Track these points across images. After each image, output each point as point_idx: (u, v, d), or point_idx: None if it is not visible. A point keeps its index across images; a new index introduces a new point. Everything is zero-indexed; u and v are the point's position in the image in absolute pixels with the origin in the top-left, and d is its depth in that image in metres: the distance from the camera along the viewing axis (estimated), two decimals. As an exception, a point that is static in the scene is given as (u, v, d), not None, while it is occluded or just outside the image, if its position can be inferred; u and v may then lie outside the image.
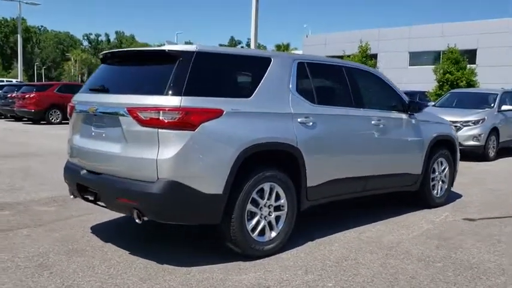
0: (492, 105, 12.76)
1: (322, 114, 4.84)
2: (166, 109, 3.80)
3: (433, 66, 29.21)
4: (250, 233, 4.25)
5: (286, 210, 4.51)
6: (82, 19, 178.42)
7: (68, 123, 5.04)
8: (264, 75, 4.48)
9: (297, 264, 4.21)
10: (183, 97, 3.84)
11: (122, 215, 5.15)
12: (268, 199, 4.38)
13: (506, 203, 6.91)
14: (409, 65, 39.38)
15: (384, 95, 5.92)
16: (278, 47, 70.57)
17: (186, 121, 3.81)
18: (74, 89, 15.72)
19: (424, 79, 32.14)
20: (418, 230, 5.41)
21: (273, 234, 4.43)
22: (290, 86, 4.64)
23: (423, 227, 5.54)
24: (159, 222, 4.09)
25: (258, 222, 4.33)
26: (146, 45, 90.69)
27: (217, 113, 3.98)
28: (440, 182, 6.60)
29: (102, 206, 4.41)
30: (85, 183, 4.41)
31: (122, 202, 4.05)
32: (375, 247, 4.73)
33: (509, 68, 33.67)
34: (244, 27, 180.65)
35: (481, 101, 13.26)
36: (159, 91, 3.91)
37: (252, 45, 20.10)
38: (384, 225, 5.56)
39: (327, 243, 4.82)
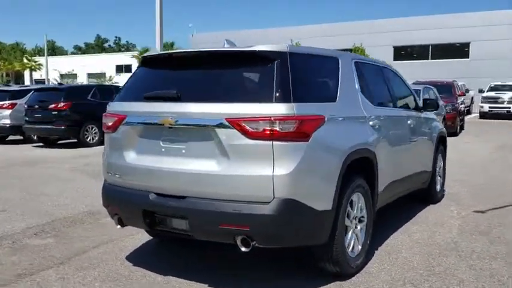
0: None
1: (381, 115, 4.64)
2: (281, 118, 3.29)
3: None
4: (347, 249, 3.90)
5: (366, 220, 4.23)
6: None
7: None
8: (339, 77, 4.14)
9: (395, 277, 3.96)
10: (294, 104, 3.36)
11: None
12: (355, 210, 4.06)
13: (490, 193, 7.31)
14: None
15: (405, 93, 5.90)
16: (165, 46, 68.59)
17: (301, 131, 3.35)
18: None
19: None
20: (453, 227, 5.46)
21: (359, 247, 4.12)
22: (356, 87, 4.36)
23: (453, 223, 5.61)
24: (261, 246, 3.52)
25: (350, 237, 4.00)
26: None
27: (322, 120, 3.58)
28: (439, 177, 6.77)
29: (183, 236, 3.72)
30: (160, 209, 3.67)
31: (226, 228, 3.41)
32: (440, 249, 4.66)
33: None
34: (110, 25, 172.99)
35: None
36: (265, 98, 3.37)
37: (158, 47, 19.24)
38: (416, 224, 5.54)
39: (393, 250, 4.64)
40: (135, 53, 62.65)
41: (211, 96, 3.59)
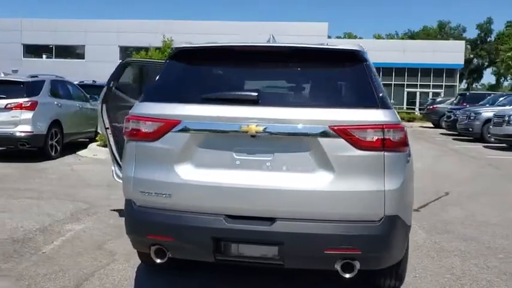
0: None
1: None
2: (392, 126, 2.98)
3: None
4: None
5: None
6: None
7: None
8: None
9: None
10: (393, 110, 3.10)
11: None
12: None
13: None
14: (120, 59, 38.82)
15: None
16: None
17: (405, 140, 3.09)
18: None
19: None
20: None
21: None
22: None
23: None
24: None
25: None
26: None
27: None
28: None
29: (262, 264, 3.11)
30: (238, 235, 3.00)
31: (331, 254, 2.95)
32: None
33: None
34: None
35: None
36: (368, 103, 3.03)
37: None
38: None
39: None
40: None
41: (305, 100, 3.12)
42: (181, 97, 3.23)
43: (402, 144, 3.04)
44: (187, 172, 3.09)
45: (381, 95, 3.09)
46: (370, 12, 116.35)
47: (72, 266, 4.17)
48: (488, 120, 16.66)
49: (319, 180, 2.96)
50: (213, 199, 3.04)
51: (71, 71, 28.72)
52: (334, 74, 3.27)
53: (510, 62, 44.42)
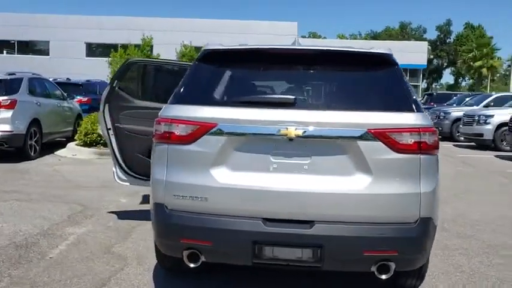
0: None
1: None
2: (427, 129, 3.05)
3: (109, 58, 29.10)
4: None
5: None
6: None
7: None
8: None
9: (448, 281, 4.09)
10: (426, 114, 3.17)
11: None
12: None
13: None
14: (86, 56, 37.95)
15: None
16: None
17: (438, 143, 3.17)
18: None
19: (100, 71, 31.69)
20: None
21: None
22: None
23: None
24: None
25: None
26: None
27: None
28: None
29: (308, 267, 3.14)
30: (277, 238, 3.01)
31: (370, 256, 2.99)
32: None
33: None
34: None
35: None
36: (404, 106, 3.10)
37: None
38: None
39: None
40: None
41: (342, 104, 3.11)
42: (216, 100, 3.21)
43: (435, 147, 3.11)
44: (223, 175, 3.07)
45: (414, 98, 3.17)
46: (333, 11, 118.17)
47: (86, 271, 4.07)
48: (457, 120, 17.21)
49: (358, 183, 3.00)
50: (250, 203, 3.04)
51: (34, 67, 27.83)
52: (367, 77, 3.31)
53: (471, 63, 46.05)
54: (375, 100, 3.19)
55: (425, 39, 66.39)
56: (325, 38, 67.81)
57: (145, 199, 6.62)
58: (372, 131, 2.97)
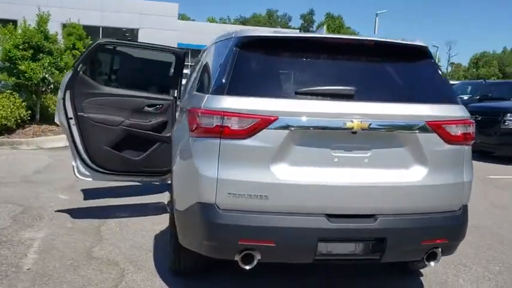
0: None
1: None
2: (470, 121, 3.20)
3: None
4: None
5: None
6: None
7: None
8: None
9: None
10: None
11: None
12: None
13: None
14: None
15: None
16: None
17: (474, 134, 3.33)
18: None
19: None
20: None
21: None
22: None
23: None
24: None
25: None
26: None
27: None
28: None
29: (367, 260, 3.12)
30: (341, 234, 2.94)
31: (426, 245, 3.05)
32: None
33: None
34: None
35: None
36: (449, 99, 3.21)
37: None
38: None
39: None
40: None
41: (399, 96, 3.09)
42: (273, 91, 2.98)
43: (473, 138, 3.27)
44: (283, 171, 2.89)
45: (453, 91, 3.30)
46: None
47: (83, 282, 3.58)
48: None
49: (415, 175, 3.04)
50: (313, 199, 2.91)
51: None
52: (412, 68, 3.33)
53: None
54: (427, 92, 3.23)
55: (290, 27, 69.49)
56: (193, 20, 66.97)
57: (88, 195, 6.03)
58: (430, 122, 3.02)
